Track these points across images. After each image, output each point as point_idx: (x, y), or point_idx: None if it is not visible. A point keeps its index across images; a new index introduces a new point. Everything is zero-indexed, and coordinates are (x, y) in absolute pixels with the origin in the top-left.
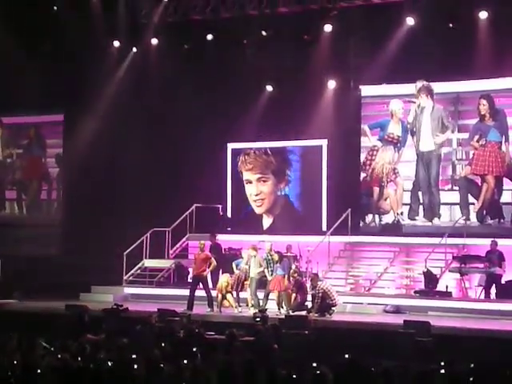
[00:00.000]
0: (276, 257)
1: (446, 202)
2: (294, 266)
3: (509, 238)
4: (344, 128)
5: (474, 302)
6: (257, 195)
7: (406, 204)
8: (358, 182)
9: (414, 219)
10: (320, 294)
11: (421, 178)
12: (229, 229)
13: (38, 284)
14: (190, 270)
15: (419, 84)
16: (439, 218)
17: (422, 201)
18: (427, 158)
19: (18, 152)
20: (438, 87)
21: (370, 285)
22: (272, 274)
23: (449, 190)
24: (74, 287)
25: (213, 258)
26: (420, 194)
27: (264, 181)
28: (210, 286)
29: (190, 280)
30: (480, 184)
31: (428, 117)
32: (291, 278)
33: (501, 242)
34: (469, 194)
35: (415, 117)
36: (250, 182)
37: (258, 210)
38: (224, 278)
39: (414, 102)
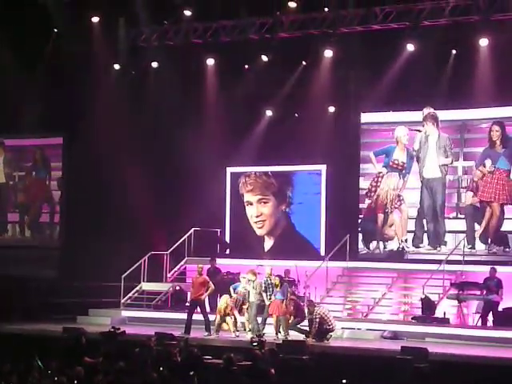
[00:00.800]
0: (277, 281)
1: (452, 229)
2: (290, 291)
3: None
4: (343, 154)
5: (472, 328)
6: (257, 217)
7: (410, 231)
8: (356, 208)
9: (419, 246)
10: (317, 320)
11: (426, 206)
12: (227, 252)
13: (35, 306)
14: (189, 293)
15: (426, 111)
16: (445, 245)
17: (426, 228)
18: (432, 184)
19: (20, 174)
20: (443, 115)
21: (367, 310)
22: (270, 299)
23: (454, 218)
24: (71, 310)
25: (211, 282)
26: (424, 221)
27: (265, 202)
28: (208, 310)
29: (188, 304)
30: (484, 210)
31: (434, 144)
32: (289, 301)
33: (505, 269)
34: (475, 223)
35: (421, 144)
36: (251, 204)
37: (258, 232)
38: (224, 300)
39: (420, 131)
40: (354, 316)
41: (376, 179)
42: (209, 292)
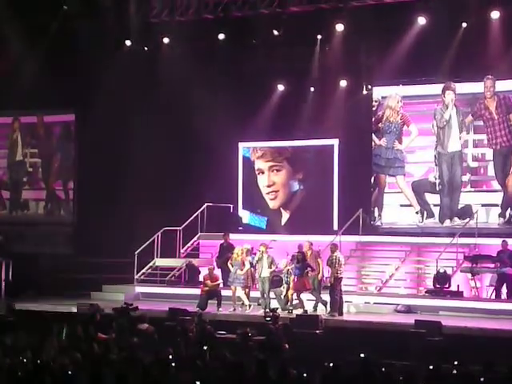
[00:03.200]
0: (300, 257)
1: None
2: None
3: None
4: (356, 128)
5: (485, 301)
6: (269, 186)
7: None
8: (369, 182)
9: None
10: (335, 260)
11: (446, 180)
12: (241, 228)
13: (49, 282)
14: (201, 269)
15: (446, 84)
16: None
17: (440, 202)
18: (453, 158)
19: (32, 151)
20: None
21: (381, 284)
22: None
23: (468, 192)
24: (85, 286)
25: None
26: (440, 195)
27: (277, 170)
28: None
29: (200, 279)
30: None
31: (455, 117)
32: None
33: None
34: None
35: (441, 118)
36: (262, 172)
37: (271, 204)
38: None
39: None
40: (367, 290)
41: None
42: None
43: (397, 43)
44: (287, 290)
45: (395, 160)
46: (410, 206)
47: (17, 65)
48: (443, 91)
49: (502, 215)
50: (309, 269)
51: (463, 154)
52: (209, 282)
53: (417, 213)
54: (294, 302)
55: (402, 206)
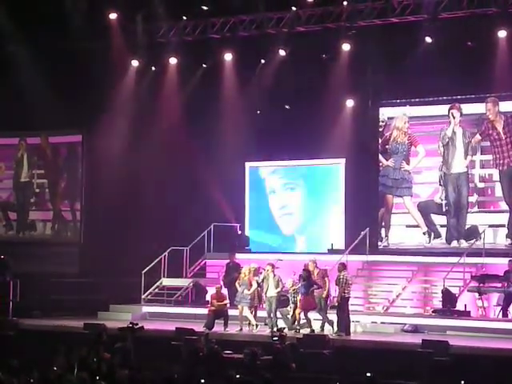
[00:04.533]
0: (305, 275)
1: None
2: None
3: None
4: (362, 147)
5: (493, 321)
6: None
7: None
8: (376, 201)
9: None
10: (342, 279)
11: (452, 201)
12: (248, 248)
13: (57, 302)
14: (208, 288)
15: (452, 104)
16: (467, 240)
17: (447, 223)
18: (458, 179)
19: (39, 172)
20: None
21: (388, 304)
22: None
23: (475, 212)
24: (92, 306)
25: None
26: (447, 216)
27: (292, 188)
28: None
29: (207, 299)
30: None
31: (460, 139)
32: (316, 272)
33: None
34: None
35: (447, 139)
36: (273, 192)
37: (285, 230)
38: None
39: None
40: (374, 310)
41: None
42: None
43: (403, 63)
44: (294, 310)
45: (402, 181)
46: (417, 226)
47: (22, 86)
48: (449, 111)
49: (509, 236)
50: (315, 286)
51: (470, 174)
52: (215, 301)
53: (424, 233)
54: (302, 321)
55: (408, 226)
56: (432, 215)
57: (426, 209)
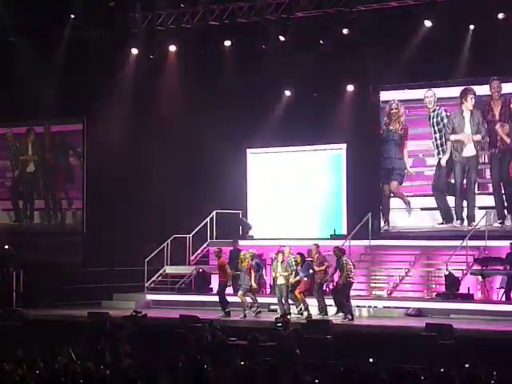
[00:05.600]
0: (298, 259)
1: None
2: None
3: None
4: (364, 132)
5: (496, 303)
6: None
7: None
8: (378, 186)
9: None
10: (345, 263)
11: (458, 182)
12: (251, 235)
13: (60, 292)
14: (212, 276)
15: (467, 88)
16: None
17: (454, 205)
18: (467, 162)
19: (39, 161)
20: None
21: (391, 288)
22: (295, 276)
23: (482, 194)
24: (96, 295)
25: (227, 266)
26: (453, 198)
27: (293, 174)
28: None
29: (211, 286)
30: None
31: (468, 121)
32: (316, 256)
33: None
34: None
35: (456, 122)
36: (275, 178)
37: (287, 216)
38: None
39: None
40: (377, 294)
41: None
42: (227, 275)
43: (403, 46)
44: (294, 292)
45: (393, 170)
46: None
47: (22, 75)
48: (463, 95)
49: (499, 217)
50: (311, 271)
51: (478, 156)
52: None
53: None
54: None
55: (423, 209)
56: (443, 197)
57: (436, 189)
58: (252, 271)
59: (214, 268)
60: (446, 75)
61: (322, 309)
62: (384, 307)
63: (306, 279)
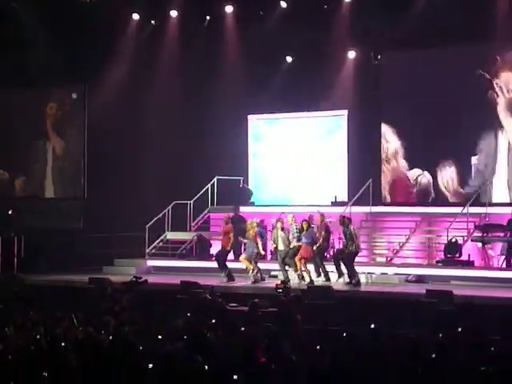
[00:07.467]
0: (305, 225)
1: None
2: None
3: None
4: (365, 98)
5: (496, 270)
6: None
7: None
8: (379, 153)
9: None
10: (354, 233)
11: None
12: (251, 201)
13: (61, 257)
14: (212, 242)
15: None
16: None
17: None
18: None
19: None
20: None
21: (392, 255)
22: (298, 241)
23: None
24: (97, 261)
25: (232, 233)
26: None
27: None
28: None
29: (212, 252)
30: None
31: None
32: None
33: None
34: None
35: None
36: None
37: (288, 183)
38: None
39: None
40: (378, 261)
41: None
42: (231, 242)
43: (404, 12)
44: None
45: None
46: None
47: (27, 40)
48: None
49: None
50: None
51: None
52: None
53: None
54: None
55: None
56: None
57: None
58: (258, 239)
59: (215, 234)
60: (450, 37)
61: (325, 275)
62: (384, 273)
63: (308, 246)
